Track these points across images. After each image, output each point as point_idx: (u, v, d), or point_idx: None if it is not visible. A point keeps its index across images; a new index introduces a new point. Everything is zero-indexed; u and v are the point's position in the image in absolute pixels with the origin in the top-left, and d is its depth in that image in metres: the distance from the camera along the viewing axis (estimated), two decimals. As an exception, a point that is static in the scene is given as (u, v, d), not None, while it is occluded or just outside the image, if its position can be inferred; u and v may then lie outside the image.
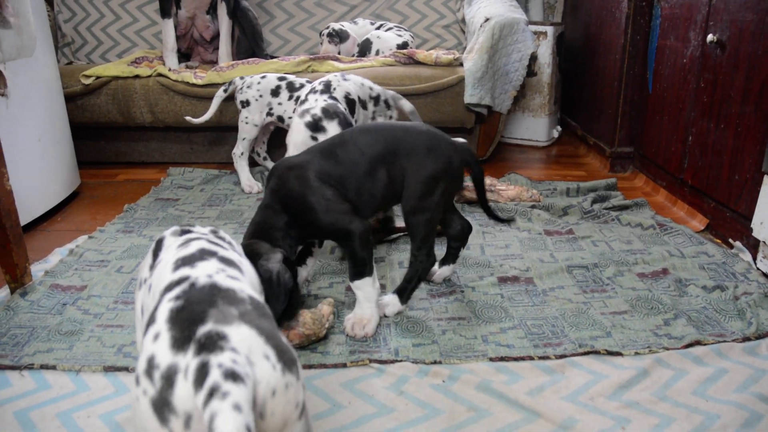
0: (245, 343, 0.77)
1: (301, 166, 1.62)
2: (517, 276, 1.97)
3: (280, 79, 2.68)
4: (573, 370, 1.50)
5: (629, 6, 2.87)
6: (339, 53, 3.43)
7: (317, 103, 2.17)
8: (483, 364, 1.53)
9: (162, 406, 0.73)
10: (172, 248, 1.02)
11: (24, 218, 2.28)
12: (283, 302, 1.43)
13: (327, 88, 2.25)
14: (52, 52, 2.65)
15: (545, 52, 3.47)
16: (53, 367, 1.52)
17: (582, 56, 3.55)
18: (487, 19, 3.02)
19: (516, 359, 1.55)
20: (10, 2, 1.58)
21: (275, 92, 2.66)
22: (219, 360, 0.73)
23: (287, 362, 0.80)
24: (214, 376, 0.71)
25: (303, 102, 2.25)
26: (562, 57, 3.66)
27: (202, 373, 0.72)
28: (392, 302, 1.76)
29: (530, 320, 1.72)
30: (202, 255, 0.96)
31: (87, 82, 3.01)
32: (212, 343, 0.75)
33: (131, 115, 3.06)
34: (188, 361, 0.74)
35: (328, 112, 2.12)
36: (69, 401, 1.41)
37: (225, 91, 2.79)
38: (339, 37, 3.41)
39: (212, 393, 0.70)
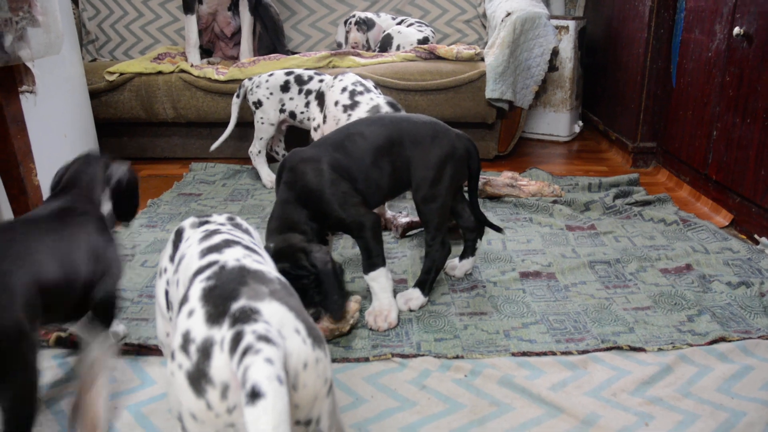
0: (276, 318, 0.79)
1: (317, 159, 1.64)
2: (539, 271, 1.96)
3: (288, 74, 2.67)
4: (595, 366, 1.50)
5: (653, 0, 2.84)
6: (367, 41, 3.44)
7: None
8: (505, 359, 1.53)
9: (199, 378, 0.76)
10: (194, 241, 1.04)
11: (51, 213, 2.31)
12: (340, 292, 1.46)
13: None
14: (77, 50, 2.69)
15: (567, 47, 3.45)
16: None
17: (604, 50, 3.52)
18: (508, 14, 3.01)
19: (538, 354, 1.55)
20: (39, 1, 1.60)
21: (285, 88, 2.65)
22: (253, 328, 0.75)
23: (316, 338, 0.82)
24: (248, 339, 0.74)
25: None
26: (584, 51, 3.63)
27: (236, 340, 0.75)
28: (415, 296, 1.77)
29: (552, 315, 1.72)
30: (228, 243, 0.98)
31: (111, 78, 3.05)
32: (246, 316, 0.77)
33: (154, 111, 3.09)
34: (224, 333, 0.76)
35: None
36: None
37: (238, 96, 2.80)
38: (366, 25, 3.42)
39: (246, 352, 0.73)
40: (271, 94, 2.66)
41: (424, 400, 1.39)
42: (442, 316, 1.73)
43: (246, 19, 3.29)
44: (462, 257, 1.94)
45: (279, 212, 1.64)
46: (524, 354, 1.55)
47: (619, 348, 1.56)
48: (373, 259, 1.65)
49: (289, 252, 1.50)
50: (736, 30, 2.22)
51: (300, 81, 2.63)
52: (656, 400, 1.38)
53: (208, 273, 0.87)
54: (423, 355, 1.54)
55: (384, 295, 1.69)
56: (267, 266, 0.95)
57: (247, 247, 0.99)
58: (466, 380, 1.45)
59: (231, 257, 0.91)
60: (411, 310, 1.76)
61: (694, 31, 2.61)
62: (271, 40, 3.36)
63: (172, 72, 3.06)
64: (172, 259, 1.08)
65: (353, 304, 1.66)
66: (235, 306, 0.79)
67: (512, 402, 1.38)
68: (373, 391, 1.42)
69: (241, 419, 0.74)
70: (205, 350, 0.76)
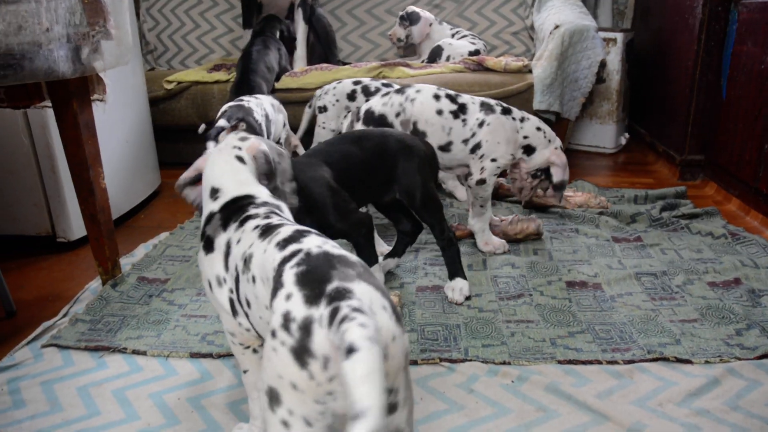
0: (367, 296, 0.86)
1: (316, 168, 1.71)
2: (585, 281, 1.98)
3: (355, 83, 2.73)
4: (641, 376, 1.52)
5: (703, 12, 2.83)
6: (408, 36, 3.49)
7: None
8: (551, 366, 1.56)
9: (302, 352, 0.83)
10: (251, 240, 1.08)
11: (112, 215, 2.43)
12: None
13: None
14: (140, 60, 2.82)
15: (614, 59, 3.45)
16: (144, 353, 1.64)
17: (652, 63, 3.51)
18: (557, 26, 3.03)
19: (584, 363, 1.57)
20: (113, 16, 1.71)
21: (351, 96, 2.71)
22: (348, 303, 0.83)
23: (398, 316, 0.90)
24: (345, 311, 0.81)
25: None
26: (632, 63, 3.62)
27: (333, 314, 0.82)
28: (457, 285, 1.90)
29: (598, 325, 1.74)
30: (301, 233, 1.03)
31: (169, 87, 3.18)
32: (341, 295, 0.84)
33: (208, 118, 3.20)
34: (321, 311, 0.84)
35: None
36: (160, 384, 1.52)
37: (309, 106, 2.87)
38: (409, 19, 3.47)
39: (342, 321, 0.80)
40: (337, 101, 2.73)
41: (471, 403, 1.43)
42: (490, 322, 1.76)
43: (300, 28, 3.38)
44: (388, 256, 2.07)
45: None
46: (570, 362, 1.57)
47: (665, 359, 1.57)
48: (368, 258, 1.74)
49: None
50: (790, 44, 2.21)
51: (367, 92, 2.69)
52: (703, 412, 1.39)
53: (296, 260, 0.93)
54: (471, 360, 1.58)
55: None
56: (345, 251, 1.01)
57: (319, 235, 1.04)
58: (513, 386, 1.49)
59: (312, 244, 0.97)
60: (468, 298, 1.89)
61: (747, 43, 2.59)
62: (323, 50, 3.45)
63: (227, 81, 3.17)
64: (227, 267, 1.14)
65: (393, 298, 1.70)
66: (330, 287, 0.86)
67: (558, 408, 1.41)
68: (422, 393, 1.47)
69: (340, 388, 0.82)
70: (306, 328, 0.83)
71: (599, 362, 1.57)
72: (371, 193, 1.83)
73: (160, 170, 3.09)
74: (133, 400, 1.47)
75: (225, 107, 2.39)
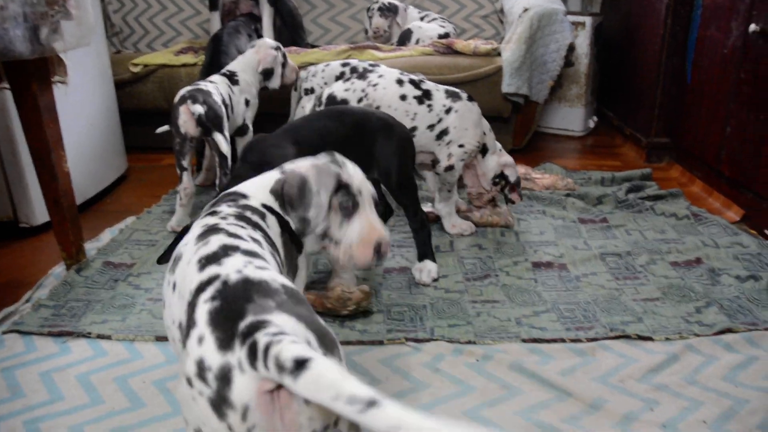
0: (288, 327, 0.80)
1: (283, 146, 1.70)
2: (551, 262, 2.01)
3: (344, 65, 2.62)
4: (604, 353, 1.55)
5: (670, -4, 2.86)
6: (390, 27, 3.48)
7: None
8: (516, 345, 1.58)
9: (220, 403, 0.78)
10: (192, 239, 1.02)
11: (77, 199, 2.38)
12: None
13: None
14: (104, 42, 2.77)
15: (583, 43, 3.47)
16: (108, 337, 1.63)
17: (620, 47, 3.54)
18: (525, 10, 3.04)
19: (548, 341, 1.60)
20: (72, -6, 1.67)
21: (341, 78, 2.66)
22: (265, 332, 0.77)
23: (329, 345, 0.83)
24: (264, 339, 0.75)
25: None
26: (600, 47, 3.65)
27: (252, 350, 0.76)
28: (426, 267, 1.92)
29: (563, 305, 1.77)
30: (226, 251, 0.95)
31: (135, 70, 3.13)
32: (255, 328, 0.78)
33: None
34: (238, 354, 0.78)
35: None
36: (125, 367, 1.51)
37: (295, 89, 2.81)
38: (390, 10, 3.46)
39: (267, 348, 0.74)
40: (325, 83, 2.66)
41: (437, 382, 1.45)
42: (456, 303, 1.78)
43: (266, 10, 3.33)
44: None
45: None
46: (535, 341, 1.60)
47: (627, 337, 1.61)
48: None
49: None
50: (753, 27, 2.25)
51: (355, 73, 2.62)
52: (662, 387, 1.43)
53: (211, 291, 0.87)
54: (436, 340, 1.60)
55: (346, 275, 1.79)
56: (271, 270, 0.93)
57: (247, 252, 0.96)
58: (478, 365, 1.51)
59: (232, 269, 0.90)
60: (435, 280, 1.90)
61: (711, 27, 2.63)
62: (290, 33, 3.42)
63: (194, 64, 3.13)
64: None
65: (357, 293, 1.71)
66: (243, 324, 0.79)
67: (522, 386, 1.43)
68: (388, 373, 1.48)
69: None
70: (224, 377, 0.78)
71: (563, 340, 1.60)
72: None
73: (127, 154, 3.04)
74: (98, 384, 1.45)
75: (182, 91, 2.33)
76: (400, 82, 2.13)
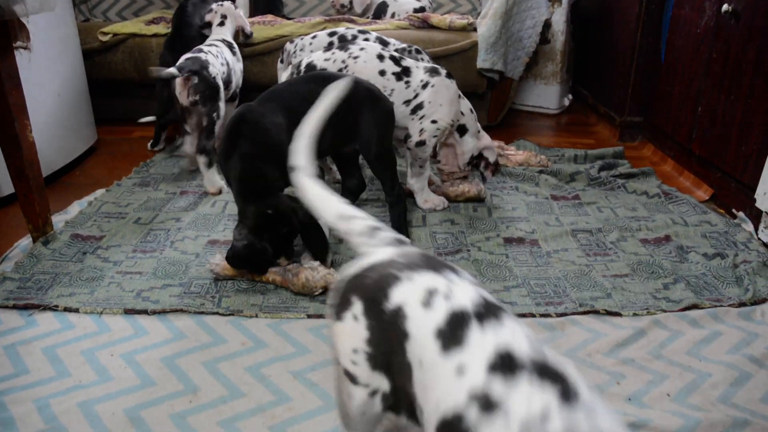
0: None
1: (276, 114, 1.70)
2: (522, 237, 2.02)
3: (331, 34, 2.58)
4: (573, 328, 1.56)
5: (646, -26, 2.86)
6: (350, 2, 3.43)
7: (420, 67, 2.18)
8: (486, 319, 1.59)
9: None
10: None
11: (44, 171, 2.33)
12: (324, 243, 1.78)
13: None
14: (71, 9, 2.69)
15: (559, 20, 3.47)
16: (76, 310, 1.60)
17: (596, 25, 3.54)
18: (502, -15, 3.02)
19: (518, 316, 1.61)
20: (35, -44, 1.61)
21: (329, 49, 2.61)
22: None
23: None
24: None
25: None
26: (576, 25, 3.65)
27: None
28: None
29: (533, 280, 1.78)
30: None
31: (104, 39, 3.05)
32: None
33: (147, 73, 3.09)
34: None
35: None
36: (92, 340, 1.49)
37: (282, 61, 2.75)
38: None
39: None
40: None
41: (407, 355, 1.45)
42: (428, 278, 1.78)
43: (242, -21, 3.28)
44: None
45: (248, 170, 1.70)
46: (505, 315, 1.61)
47: (596, 312, 1.63)
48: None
49: (283, 214, 1.67)
50: (725, 7, 2.26)
51: (344, 41, 2.57)
52: (628, 361, 1.45)
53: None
54: (407, 314, 1.60)
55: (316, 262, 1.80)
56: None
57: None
58: (448, 338, 1.51)
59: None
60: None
61: (685, 7, 2.63)
62: (267, 2, 3.36)
63: (166, 34, 3.06)
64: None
65: (320, 282, 1.69)
66: None
67: (491, 359, 1.44)
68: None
69: None
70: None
71: (533, 315, 1.61)
72: (335, 141, 1.81)
73: (97, 126, 2.97)
74: (64, 357, 1.43)
75: (182, 59, 2.37)
76: (380, 57, 2.11)
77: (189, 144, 2.42)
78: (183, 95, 2.32)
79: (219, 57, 2.49)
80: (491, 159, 2.24)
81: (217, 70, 2.41)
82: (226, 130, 1.75)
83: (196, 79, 2.30)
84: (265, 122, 1.69)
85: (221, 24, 2.79)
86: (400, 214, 1.93)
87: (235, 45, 2.74)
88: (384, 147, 1.86)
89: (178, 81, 2.30)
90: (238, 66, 2.70)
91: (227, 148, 1.71)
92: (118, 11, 3.60)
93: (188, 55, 2.40)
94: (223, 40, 2.67)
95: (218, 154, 1.76)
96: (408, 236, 1.94)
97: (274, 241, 1.71)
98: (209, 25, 2.82)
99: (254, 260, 1.70)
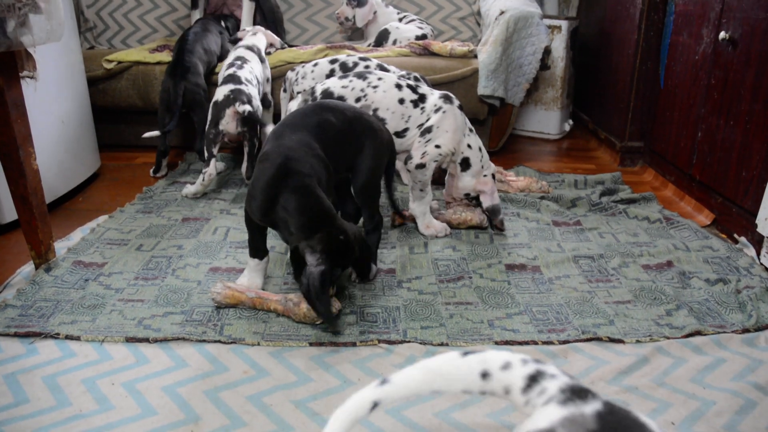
0: None
1: (312, 146, 1.75)
2: (524, 264, 2.02)
3: (332, 62, 2.63)
4: (575, 355, 1.56)
5: (643, 2, 2.90)
6: (354, 17, 3.47)
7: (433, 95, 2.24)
8: (488, 347, 1.58)
9: None
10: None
11: (47, 197, 2.34)
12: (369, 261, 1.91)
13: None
14: (77, 37, 2.72)
15: (559, 46, 3.50)
16: (77, 338, 1.60)
17: (596, 51, 3.58)
18: (502, 12, 3.06)
19: (520, 343, 1.60)
20: (42, -12, 1.64)
21: (330, 76, 2.64)
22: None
23: None
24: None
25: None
26: (576, 51, 3.68)
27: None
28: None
29: (536, 307, 1.78)
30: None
31: (109, 66, 3.08)
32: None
33: (150, 100, 3.13)
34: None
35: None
36: (93, 369, 1.49)
37: (285, 90, 2.78)
38: (357, 1, 3.45)
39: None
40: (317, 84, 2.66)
41: (409, 384, 1.44)
42: (429, 305, 1.78)
43: (246, 5, 3.34)
44: None
45: (308, 204, 1.62)
46: (507, 343, 1.60)
47: (598, 339, 1.62)
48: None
49: (355, 238, 1.69)
50: (722, 34, 2.28)
51: (345, 68, 2.62)
52: (632, 388, 1.44)
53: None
54: (409, 342, 1.59)
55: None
56: None
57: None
58: (451, 366, 1.51)
59: None
60: (369, 281, 1.92)
61: (683, 34, 2.66)
62: (270, 29, 3.40)
63: (169, 62, 3.09)
64: None
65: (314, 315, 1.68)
66: None
67: (494, 387, 1.44)
68: (360, 374, 1.48)
69: None
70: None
71: (535, 342, 1.61)
72: (336, 167, 1.84)
73: (101, 152, 3.00)
74: (65, 386, 1.43)
75: (225, 90, 2.57)
76: (398, 86, 2.19)
77: (213, 166, 2.57)
78: (231, 125, 2.52)
79: (252, 80, 2.67)
80: (484, 204, 2.26)
81: (257, 103, 2.63)
82: (266, 175, 1.66)
83: (245, 113, 2.49)
84: (307, 155, 1.68)
85: (254, 34, 3.03)
86: (374, 242, 1.97)
87: (263, 51, 2.94)
88: (372, 177, 1.90)
89: (229, 112, 2.50)
90: (266, 73, 2.93)
91: (270, 192, 1.64)
92: (122, 39, 3.64)
93: (232, 86, 2.56)
94: (252, 47, 2.88)
95: (259, 194, 1.67)
96: (375, 264, 1.94)
97: (337, 269, 1.65)
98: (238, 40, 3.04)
99: (327, 288, 1.59)
